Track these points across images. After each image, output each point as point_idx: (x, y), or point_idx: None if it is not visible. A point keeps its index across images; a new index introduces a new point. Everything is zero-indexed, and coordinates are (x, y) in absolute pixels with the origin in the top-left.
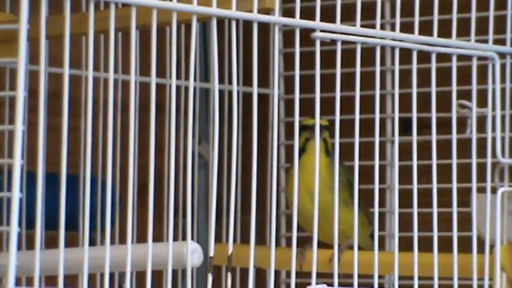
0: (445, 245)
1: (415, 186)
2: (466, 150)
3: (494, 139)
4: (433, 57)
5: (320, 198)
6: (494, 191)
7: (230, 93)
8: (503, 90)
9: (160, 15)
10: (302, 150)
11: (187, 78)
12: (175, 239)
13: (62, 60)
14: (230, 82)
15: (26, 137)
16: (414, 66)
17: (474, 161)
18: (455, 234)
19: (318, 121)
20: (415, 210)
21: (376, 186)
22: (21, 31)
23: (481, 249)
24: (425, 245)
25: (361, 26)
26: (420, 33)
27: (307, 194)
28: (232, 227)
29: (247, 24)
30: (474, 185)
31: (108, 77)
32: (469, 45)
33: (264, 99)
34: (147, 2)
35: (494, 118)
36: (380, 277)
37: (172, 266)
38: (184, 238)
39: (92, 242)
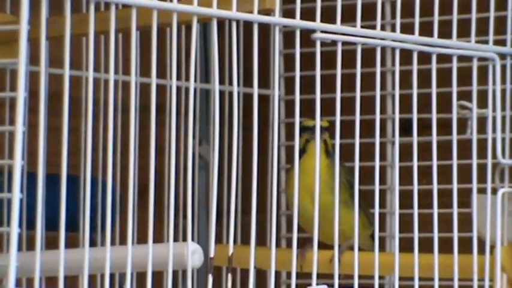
0: (446, 246)
1: (415, 187)
2: (466, 151)
3: (494, 140)
4: (434, 58)
5: (320, 199)
6: (494, 191)
7: (230, 94)
8: (503, 91)
9: (160, 16)
10: (302, 152)
11: (187, 79)
12: (175, 239)
13: (62, 61)
14: (230, 83)
15: (26, 138)
16: (414, 67)
17: (474, 161)
18: (455, 235)
19: (318, 122)
20: (416, 211)
21: (377, 187)
22: (21, 32)
23: (481, 250)
24: (426, 246)
25: (362, 26)
26: (420, 34)
27: (308, 195)
28: (233, 227)
29: (248, 25)
30: (474, 185)
31: (109, 77)
32: (470, 46)
33: (264, 100)
34: (148, 2)
35: (494, 119)
36: (380, 278)
37: (172, 266)
38: (184, 239)
39: (93, 243)
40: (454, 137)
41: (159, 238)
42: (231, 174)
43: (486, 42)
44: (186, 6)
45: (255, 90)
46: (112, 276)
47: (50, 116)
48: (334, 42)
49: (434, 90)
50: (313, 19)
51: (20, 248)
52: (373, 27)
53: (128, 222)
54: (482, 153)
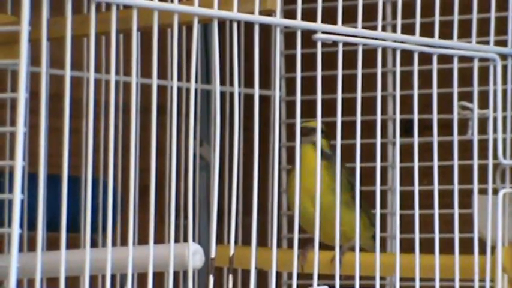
0: (447, 247)
1: (416, 188)
2: (467, 151)
3: (495, 140)
4: (435, 59)
5: (321, 199)
6: (495, 192)
7: (231, 94)
8: (504, 92)
9: (161, 17)
10: None
11: (188, 79)
12: (176, 240)
13: (63, 62)
14: (231, 84)
15: (27, 138)
16: (415, 67)
17: (475, 162)
18: (456, 235)
19: (319, 123)
20: (417, 211)
21: (378, 188)
22: (22, 33)
23: (482, 251)
24: (427, 247)
25: (363, 27)
26: (421, 34)
27: (308, 197)
28: (234, 228)
29: (249, 26)
30: (475, 186)
31: (110, 78)
32: (471, 46)
33: (265, 101)
34: (149, 3)
35: (495, 119)
36: (381, 279)
37: (173, 267)
38: (185, 240)
39: (93, 244)
40: (455, 137)
41: (160, 239)
42: (232, 174)
43: (487, 42)
44: (187, 7)
45: (256, 91)
46: (113, 277)
47: (51, 116)
48: (335, 43)
49: (435, 90)
50: (314, 20)
51: (21, 249)
52: (374, 27)
53: (129, 223)
54: (483, 154)
